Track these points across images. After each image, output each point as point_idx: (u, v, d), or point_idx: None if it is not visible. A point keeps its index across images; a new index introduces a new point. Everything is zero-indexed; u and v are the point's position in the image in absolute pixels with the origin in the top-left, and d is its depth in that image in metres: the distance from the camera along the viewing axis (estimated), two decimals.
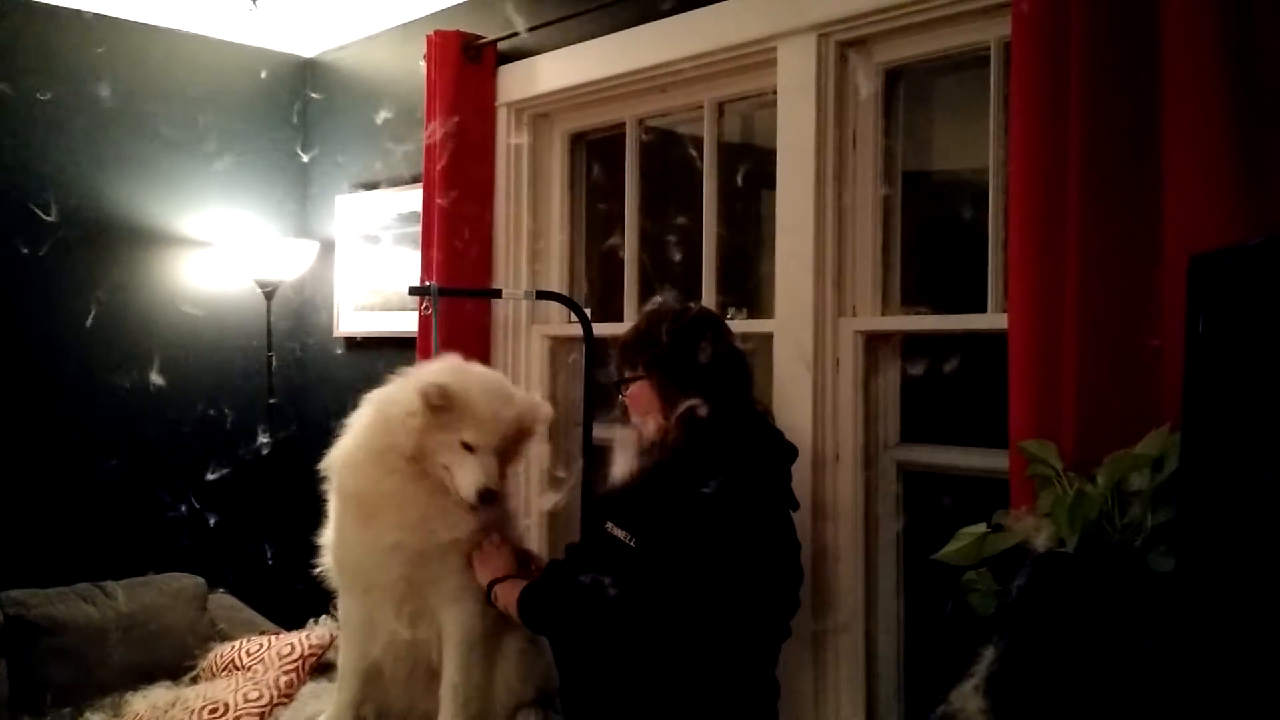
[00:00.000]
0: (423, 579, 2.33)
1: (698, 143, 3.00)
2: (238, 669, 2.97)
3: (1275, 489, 1.33)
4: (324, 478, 2.39)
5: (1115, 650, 1.58)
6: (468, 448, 2.23)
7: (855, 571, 2.57)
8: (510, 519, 2.49)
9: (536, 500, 3.40)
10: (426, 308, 3.12)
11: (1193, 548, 1.47)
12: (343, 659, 2.51)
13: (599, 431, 2.98)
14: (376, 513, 2.29)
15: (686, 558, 2.01)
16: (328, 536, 2.43)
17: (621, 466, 2.20)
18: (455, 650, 2.35)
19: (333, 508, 2.40)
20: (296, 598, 2.89)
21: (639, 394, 2.23)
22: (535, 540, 3.28)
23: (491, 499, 2.23)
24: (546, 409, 2.43)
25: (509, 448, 2.33)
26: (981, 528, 1.91)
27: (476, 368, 2.43)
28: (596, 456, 2.96)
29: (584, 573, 2.07)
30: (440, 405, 2.22)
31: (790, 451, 2.25)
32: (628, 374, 2.25)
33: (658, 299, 2.37)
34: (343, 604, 2.50)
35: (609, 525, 2.03)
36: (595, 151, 3.44)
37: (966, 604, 1.90)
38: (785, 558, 2.22)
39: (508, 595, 2.24)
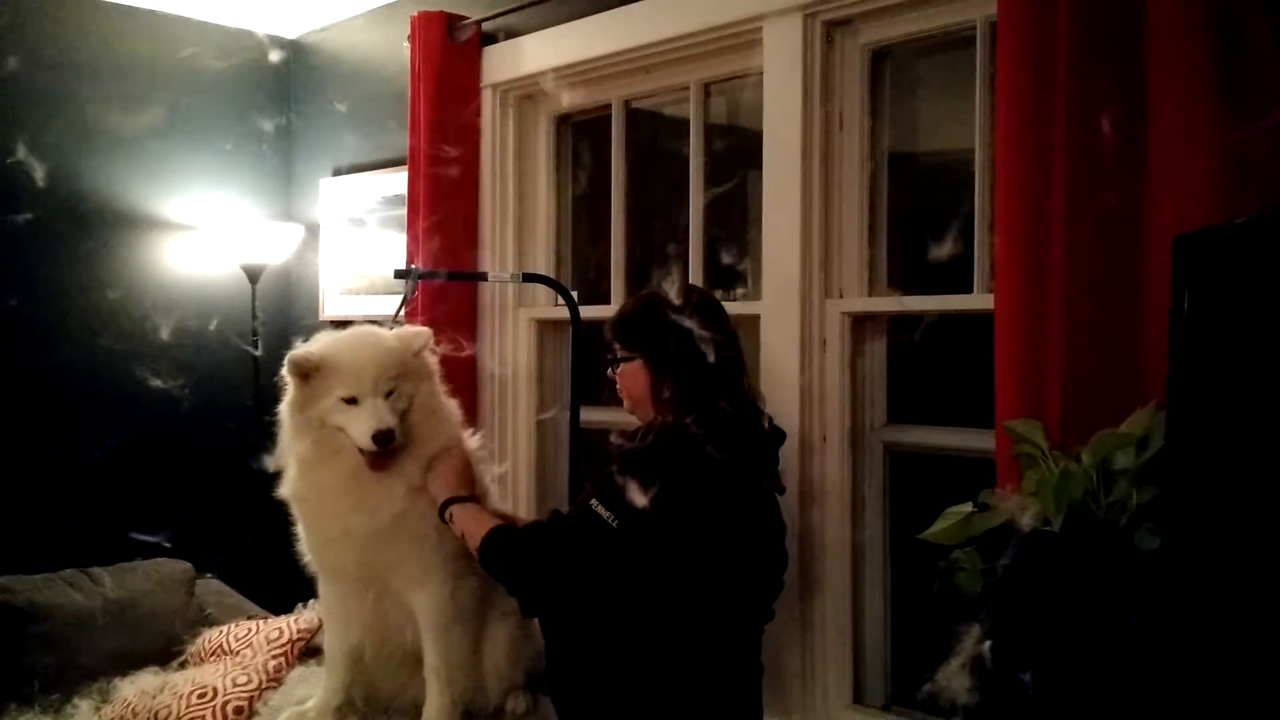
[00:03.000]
0: (381, 563, 2.33)
1: (684, 124, 2.99)
2: (226, 654, 2.96)
3: (1259, 467, 1.33)
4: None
5: (1101, 628, 1.59)
6: (352, 402, 2.22)
7: (842, 551, 2.58)
8: (476, 475, 2.44)
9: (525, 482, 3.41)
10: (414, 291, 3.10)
11: (1178, 526, 1.48)
12: (327, 643, 2.52)
13: (586, 415, 2.98)
14: (318, 507, 2.32)
15: (666, 543, 2.02)
16: (299, 531, 2.45)
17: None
18: (430, 633, 2.36)
19: (291, 508, 2.43)
20: (284, 582, 2.89)
21: (630, 373, 2.21)
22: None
23: (389, 440, 2.19)
24: (422, 335, 2.35)
25: (398, 389, 2.27)
26: (968, 507, 1.92)
27: (345, 330, 2.39)
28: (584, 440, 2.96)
29: (561, 542, 2.07)
30: (308, 372, 2.23)
31: (777, 435, 2.24)
32: (620, 353, 2.23)
33: (653, 278, 2.35)
34: (321, 590, 2.52)
35: (593, 502, 2.03)
36: (581, 133, 3.42)
37: (953, 583, 1.90)
38: (769, 541, 2.22)
39: (465, 522, 2.20)
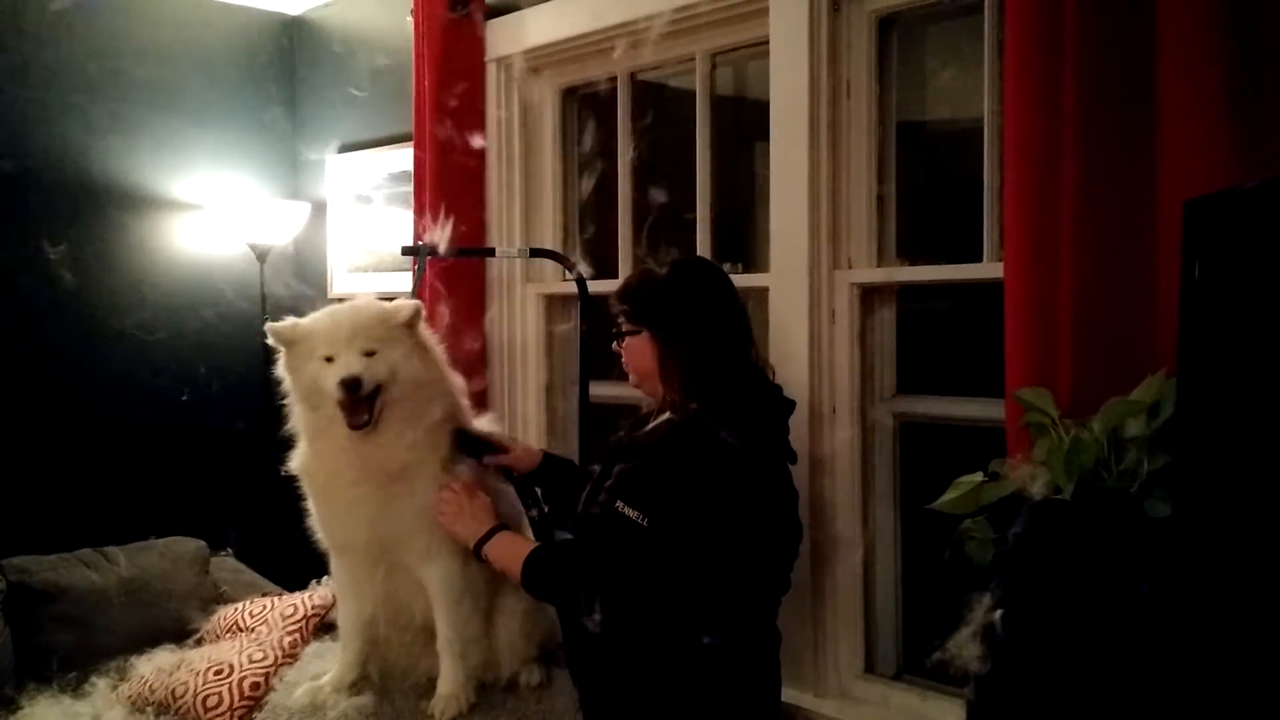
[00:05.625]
0: (390, 538, 2.35)
1: (691, 95, 2.97)
2: (241, 630, 2.98)
3: (1270, 434, 1.33)
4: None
5: (1113, 596, 1.58)
6: (329, 360, 2.26)
7: (853, 522, 2.59)
8: (464, 410, 2.46)
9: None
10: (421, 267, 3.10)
11: (1189, 493, 1.48)
12: (341, 618, 2.53)
13: (595, 390, 2.98)
14: (326, 480, 2.35)
15: (697, 532, 2.01)
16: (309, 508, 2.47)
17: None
18: (442, 607, 2.37)
19: (303, 485, 2.45)
20: (298, 559, 2.91)
21: (635, 347, 2.20)
22: None
23: (355, 387, 2.21)
24: (410, 305, 2.37)
25: (381, 353, 2.28)
26: (978, 477, 1.92)
27: (343, 303, 2.43)
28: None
29: (599, 555, 2.06)
30: (288, 339, 2.30)
31: (788, 405, 2.24)
32: (625, 326, 2.22)
33: (658, 251, 2.34)
34: (332, 566, 2.53)
35: (619, 504, 2.01)
36: (588, 106, 3.40)
37: (964, 552, 1.91)
38: (785, 512, 2.22)
39: (503, 556, 2.20)
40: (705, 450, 2.01)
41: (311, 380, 2.28)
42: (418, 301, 2.40)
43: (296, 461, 2.40)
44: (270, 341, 2.33)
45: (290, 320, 2.34)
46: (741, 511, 2.04)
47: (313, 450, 2.36)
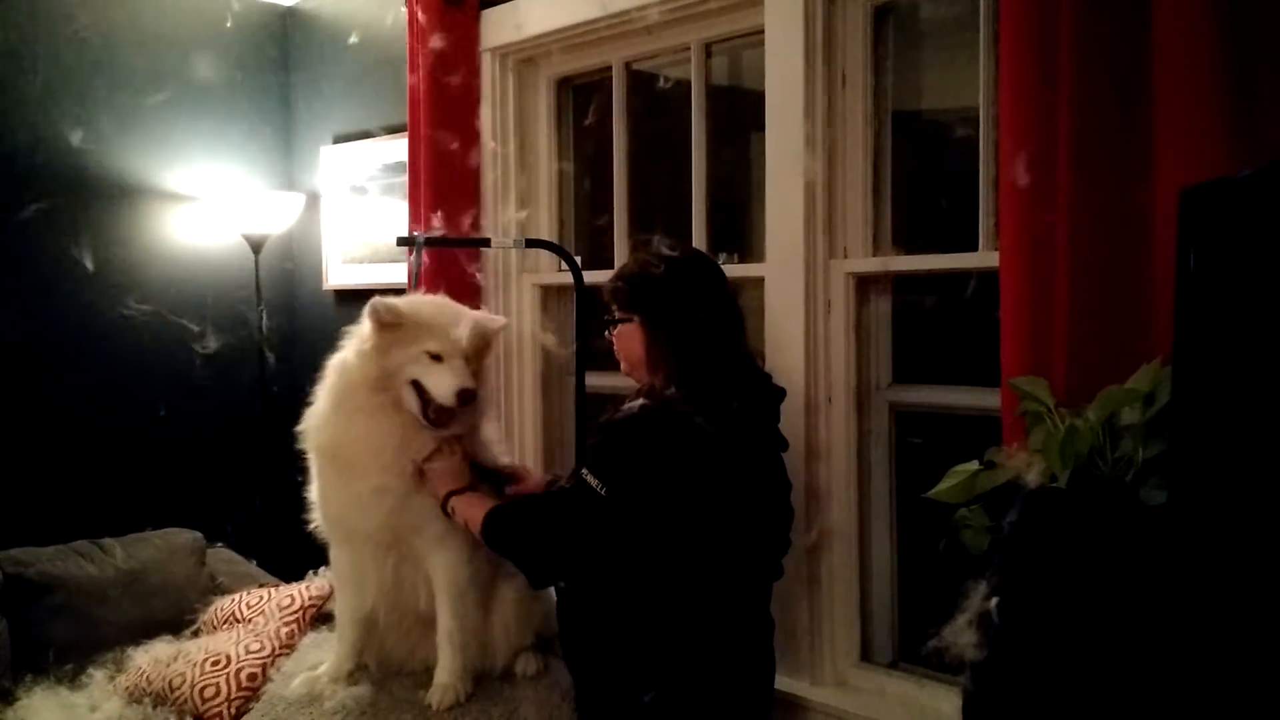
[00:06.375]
0: (405, 525, 2.35)
1: (686, 85, 2.97)
2: (238, 621, 2.99)
3: (1265, 422, 1.33)
4: (301, 441, 2.41)
5: (1108, 583, 1.59)
6: (435, 358, 2.26)
7: (849, 511, 2.59)
8: (483, 442, 2.48)
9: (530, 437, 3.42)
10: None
11: (1184, 481, 1.48)
12: (339, 609, 2.54)
13: (591, 380, 2.98)
14: (352, 460, 2.32)
15: (653, 510, 2.03)
16: (313, 492, 2.45)
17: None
18: (446, 596, 2.38)
19: (312, 465, 2.42)
20: (294, 550, 2.91)
21: (626, 335, 2.22)
22: None
23: (470, 398, 2.25)
24: (500, 319, 2.49)
25: (471, 360, 2.31)
26: (973, 465, 1.92)
27: (426, 295, 2.49)
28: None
29: (553, 512, 2.11)
30: (390, 322, 2.26)
31: (777, 393, 2.25)
32: (617, 314, 2.24)
33: (651, 240, 2.35)
34: (333, 555, 2.53)
35: (584, 471, 2.05)
36: (583, 96, 3.40)
37: (959, 541, 1.91)
38: (775, 498, 2.23)
39: (466, 510, 2.26)
40: (675, 433, 2.03)
41: (400, 367, 2.26)
42: (505, 320, 2.53)
43: (316, 438, 2.36)
44: (365, 316, 2.28)
45: (389, 301, 2.28)
46: (711, 497, 2.06)
47: (350, 431, 2.30)
